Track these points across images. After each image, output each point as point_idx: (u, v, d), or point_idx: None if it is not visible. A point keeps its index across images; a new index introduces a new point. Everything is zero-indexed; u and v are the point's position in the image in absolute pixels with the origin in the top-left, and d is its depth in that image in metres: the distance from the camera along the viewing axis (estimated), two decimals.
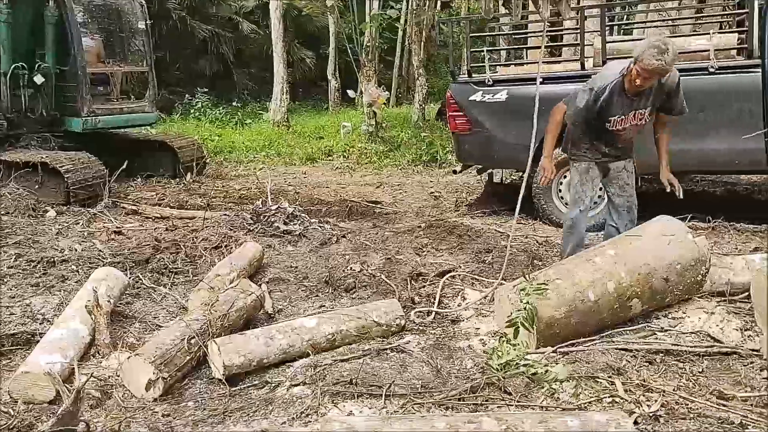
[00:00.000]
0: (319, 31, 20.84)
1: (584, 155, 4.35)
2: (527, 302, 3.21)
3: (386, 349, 3.33)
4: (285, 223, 5.64)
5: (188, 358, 3.11)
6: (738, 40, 5.94)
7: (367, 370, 3.07)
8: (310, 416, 2.70)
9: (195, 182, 8.62)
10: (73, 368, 2.94)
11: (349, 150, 11.87)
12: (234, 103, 17.90)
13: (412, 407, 2.72)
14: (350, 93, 15.27)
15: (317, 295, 4.31)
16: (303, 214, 5.90)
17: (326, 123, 15.32)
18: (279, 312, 4.04)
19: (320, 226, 5.75)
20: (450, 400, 2.77)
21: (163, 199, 7.48)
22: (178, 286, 4.37)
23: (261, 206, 5.88)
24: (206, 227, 5.44)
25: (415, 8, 15.03)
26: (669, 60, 3.69)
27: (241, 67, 20.57)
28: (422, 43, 15.59)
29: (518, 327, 3.19)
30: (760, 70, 5.35)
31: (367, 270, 4.60)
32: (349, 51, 16.93)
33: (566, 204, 6.11)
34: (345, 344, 3.39)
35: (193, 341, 3.16)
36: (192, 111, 16.30)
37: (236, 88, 20.06)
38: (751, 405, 2.64)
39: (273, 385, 3.05)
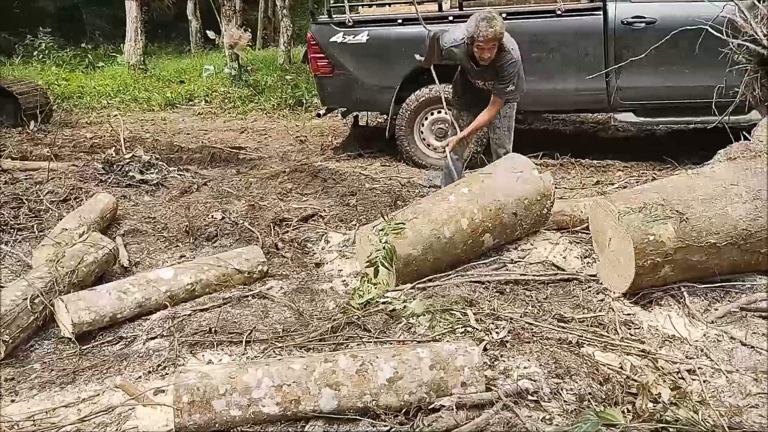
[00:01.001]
0: None
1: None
2: (386, 242, 3.28)
3: (248, 296, 3.30)
4: (141, 172, 5.37)
5: (32, 318, 2.92)
6: None
7: (228, 318, 3.04)
8: (167, 368, 2.64)
9: (40, 131, 7.93)
10: None
11: (211, 94, 11.42)
12: (83, 45, 16.52)
13: (273, 351, 2.73)
14: (210, 34, 14.50)
15: (177, 246, 4.16)
16: (161, 162, 5.64)
17: (187, 66, 14.60)
18: (136, 265, 3.87)
19: (180, 175, 5.54)
20: (311, 341, 2.80)
21: (3, 150, 6.85)
22: (21, 243, 4.04)
23: (114, 155, 5.54)
24: (52, 179, 5.06)
25: None
26: (499, 26, 4.04)
27: (90, 5, 18.96)
28: None
29: (378, 266, 3.27)
30: (601, 13, 5.67)
31: (229, 218, 4.50)
32: None
33: (428, 145, 6.25)
34: (205, 294, 3.32)
35: (37, 300, 2.97)
36: (35, 53, 14.94)
37: (85, 28, 18.52)
38: (587, 325, 2.89)
39: (128, 340, 2.95)
